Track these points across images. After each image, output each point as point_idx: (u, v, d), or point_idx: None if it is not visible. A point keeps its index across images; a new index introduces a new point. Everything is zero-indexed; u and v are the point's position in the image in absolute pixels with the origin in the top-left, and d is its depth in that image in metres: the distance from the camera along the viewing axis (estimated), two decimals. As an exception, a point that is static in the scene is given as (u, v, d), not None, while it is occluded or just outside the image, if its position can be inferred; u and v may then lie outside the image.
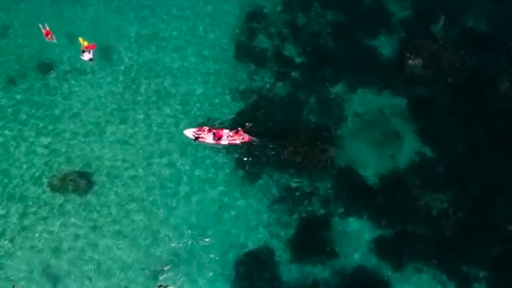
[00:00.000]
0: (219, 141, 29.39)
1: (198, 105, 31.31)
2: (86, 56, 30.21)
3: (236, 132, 29.31)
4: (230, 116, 30.97)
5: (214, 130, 29.33)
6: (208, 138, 29.34)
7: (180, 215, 28.87)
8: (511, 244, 29.68)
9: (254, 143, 30.01)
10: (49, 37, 30.40)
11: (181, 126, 30.26)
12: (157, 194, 29.30)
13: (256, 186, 29.82)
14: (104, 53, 31.96)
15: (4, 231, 27.83)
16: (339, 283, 28.46)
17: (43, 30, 30.47)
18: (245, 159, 30.12)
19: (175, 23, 33.71)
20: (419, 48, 33.29)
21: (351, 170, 30.64)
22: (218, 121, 30.55)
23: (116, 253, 27.85)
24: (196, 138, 29.42)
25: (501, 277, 29.22)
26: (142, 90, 31.66)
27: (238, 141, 29.48)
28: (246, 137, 29.58)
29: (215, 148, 30.02)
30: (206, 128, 29.44)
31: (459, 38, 34.06)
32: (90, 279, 27.21)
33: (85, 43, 30.00)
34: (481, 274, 29.10)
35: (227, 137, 29.36)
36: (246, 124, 29.62)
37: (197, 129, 29.52)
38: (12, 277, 26.95)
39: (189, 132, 29.64)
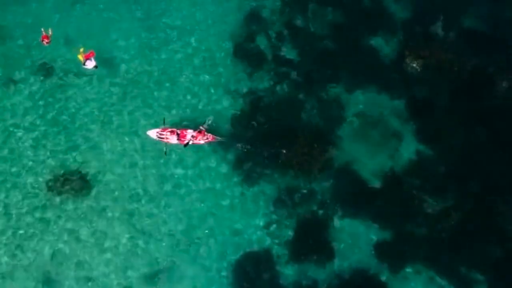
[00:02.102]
0: (183, 141, 29.45)
1: (196, 106, 31.37)
2: (90, 65, 30.32)
3: (200, 132, 29.42)
4: (227, 117, 31.28)
5: (178, 131, 29.49)
6: (172, 138, 29.45)
7: (178, 216, 29.02)
8: (511, 245, 29.53)
9: (221, 140, 30.10)
10: (45, 42, 30.49)
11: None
12: (155, 194, 29.43)
13: (255, 187, 29.95)
14: (102, 57, 32.01)
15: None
16: (338, 284, 28.56)
17: (43, 33, 30.53)
18: (244, 160, 30.31)
19: (174, 24, 33.71)
20: (419, 48, 33.22)
21: (351, 171, 30.78)
22: (183, 121, 30.63)
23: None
24: (160, 139, 29.43)
25: (501, 277, 28.98)
26: (141, 90, 31.86)
27: (202, 142, 29.60)
28: (210, 137, 29.75)
29: (214, 149, 30.14)
30: (169, 128, 29.52)
31: (458, 38, 33.73)
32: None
33: (82, 52, 30.11)
34: (481, 275, 28.79)
35: (191, 137, 29.40)
36: (205, 122, 29.86)
37: (160, 129, 29.61)
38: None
39: (153, 133, 29.73)
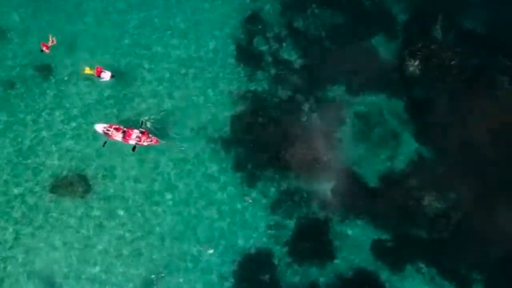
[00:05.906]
0: (127, 140, 29.56)
1: (195, 107, 31.53)
2: (106, 76, 30.72)
3: (143, 134, 29.50)
4: (226, 119, 31.53)
5: (125, 129, 29.58)
6: (117, 136, 29.54)
7: (178, 218, 29.20)
8: (511, 245, 29.52)
9: (163, 144, 30.14)
10: (45, 48, 30.71)
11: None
12: (157, 195, 29.65)
13: (255, 189, 30.02)
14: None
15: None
16: (338, 285, 28.54)
17: (50, 40, 30.73)
18: (244, 162, 30.44)
19: (175, 26, 33.95)
20: (418, 49, 33.05)
21: (350, 172, 30.72)
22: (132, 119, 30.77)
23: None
24: (105, 134, 29.57)
25: (501, 278, 29.01)
26: (142, 91, 32.09)
27: (145, 143, 29.55)
28: (154, 140, 29.82)
29: (213, 149, 30.27)
30: (115, 125, 29.66)
31: (458, 39, 33.36)
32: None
33: (90, 71, 30.53)
34: (481, 275, 28.48)
35: (136, 137, 29.50)
36: (142, 123, 29.96)
37: (108, 125, 29.89)
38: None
39: (100, 127, 29.88)
